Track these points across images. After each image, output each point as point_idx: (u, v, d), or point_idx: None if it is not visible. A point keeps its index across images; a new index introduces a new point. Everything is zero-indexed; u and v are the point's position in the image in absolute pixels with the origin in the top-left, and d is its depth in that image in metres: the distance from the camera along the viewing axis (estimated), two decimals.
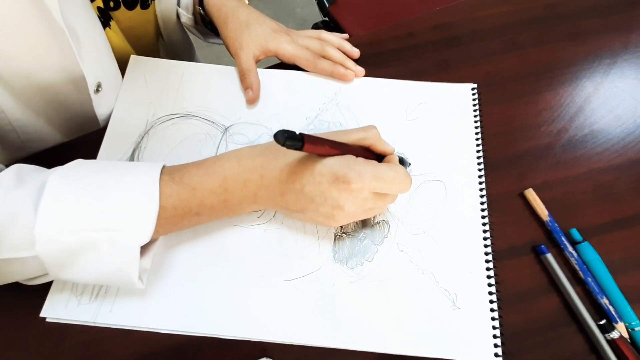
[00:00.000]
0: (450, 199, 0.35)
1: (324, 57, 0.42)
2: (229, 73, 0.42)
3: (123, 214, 0.26)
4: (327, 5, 0.85)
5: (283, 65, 0.43)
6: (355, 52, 0.43)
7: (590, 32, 0.45)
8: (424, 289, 0.32)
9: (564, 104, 0.41)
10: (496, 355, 0.30)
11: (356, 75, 0.41)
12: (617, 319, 0.31)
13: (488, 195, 0.35)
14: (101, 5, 0.40)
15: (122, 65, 0.41)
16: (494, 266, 0.33)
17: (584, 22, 0.46)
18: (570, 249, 0.33)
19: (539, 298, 0.32)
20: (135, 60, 0.42)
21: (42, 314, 0.30)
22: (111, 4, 0.41)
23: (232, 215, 0.31)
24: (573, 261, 0.33)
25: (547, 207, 0.35)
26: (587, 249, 0.33)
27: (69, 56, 0.34)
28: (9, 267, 0.27)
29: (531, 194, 0.35)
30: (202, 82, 0.41)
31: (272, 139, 0.37)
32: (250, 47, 0.41)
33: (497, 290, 0.32)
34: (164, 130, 0.38)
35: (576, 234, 0.34)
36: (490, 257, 0.33)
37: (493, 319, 0.31)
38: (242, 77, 0.40)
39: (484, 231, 0.34)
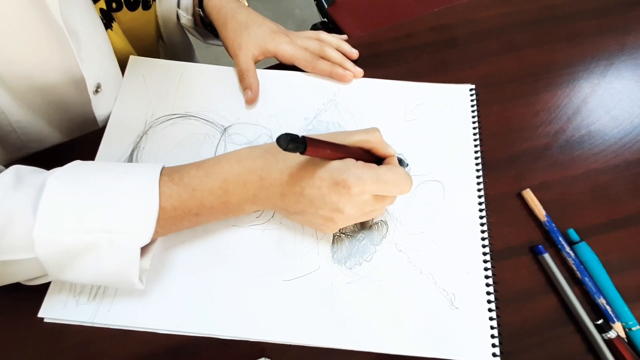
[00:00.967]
0: (448, 200, 0.35)
1: (322, 57, 0.42)
2: (227, 73, 0.42)
3: (123, 215, 0.26)
4: (326, 6, 0.85)
5: (282, 66, 0.43)
6: (354, 53, 0.43)
7: (587, 34, 0.45)
8: (422, 289, 0.32)
9: (561, 105, 0.41)
10: (494, 355, 0.30)
11: (355, 76, 0.41)
12: (615, 319, 0.31)
13: (486, 195, 0.36)
14: (104, 6, 0.40)
15: (123, 66, 0.41)
16: (492, 266, 0.33)
17: (581, 23, 0.46)
18: (567, 249, 0.34)
19: (536, 298, 0.33)
20: (134, 60, 0.42)
21: (40, 314, 0.30)
22: (113, 5, 0.41)
23: (232, 216, 0.32)
24: (570, 261, 0.33)
25: (544, 208, 0.35)
26: (585, 249, 0.34)
27: (69, 57, 0.34)
28: (8, 269, 0.27)
29: (529, 195, 0.36)
30: (201, 83, 0.41)
31: (271, 139, 0.37)
32: (249, 47, 0.41)
33: (495, 290, 0.32)
34: (163, 131, 0.38)
35: (573, 234, 0.34)
36: (488, 257, 0.33)
37: (491, 318, 0.31)
38: (241, 78, 0.40)
39: (482, 231, 0.34)
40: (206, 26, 0.49)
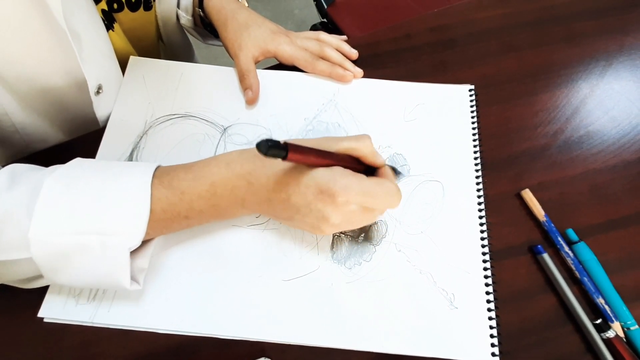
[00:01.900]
0: (447, 200, 0.35)
1: (322, 58, 0.42)
2: (227, 74, 0.42)
3: (114, 217, 0.26)
4: (326, 6, 0.85)
5: (282, 66, 0.43)
6: (354, 54, 0.43)
7: (585, 35, 0.45)
8: (422, 289, 0.32)
9: (560, 106, 0.41)
10: (493, 354, 0.30)
11: (354, 76, 0.42)
12: (613, 319, 0.31)
13: (485, 195, 0.36)
14: (105, 7, 0.40)
15: (124, 66, 0.41)
16: (491, 266, 0.33)
17: (579, 24, 0.46)
18: (566, 249, 0.34)
19: (535, 298, 0.33)
20: (134, 61, 0.42)
21: (39, 314, 0.30)
22: (115, 5, 0.41)
23: (222, 219, 0.31)
24: (569, 261, 0.33)
25: (543, 208, 0.35)
26: (583, 249, 0.34)
27: (71, 59, 0.34)
28: (2, 269, 0.27)
29: (528, 195, 0.36)
30: (201, 83, 0.41)
31: (264, 138, 0.37)
32: (250, 48, 0.41)
33: (494, 290, 0.32)
34: (163, 131, 0.38)
35: (572, 234, 0.34)
36: (487, 257, 0.33)
37: (490, 318, 0.31)
38: (242, 78, 0.41)
39: (481, 231, 0.34)
40: (206, 26, 0.49)
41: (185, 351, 0.30)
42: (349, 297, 0.32)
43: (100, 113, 0.39)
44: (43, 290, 0.31)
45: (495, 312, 0.31)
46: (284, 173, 0.28)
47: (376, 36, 0.45)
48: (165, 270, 0.32)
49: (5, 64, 0.32)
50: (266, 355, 0.30)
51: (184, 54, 0.57)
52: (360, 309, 0.31)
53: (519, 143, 0.39)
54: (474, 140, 0.39)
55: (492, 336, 0.30)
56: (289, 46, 0.41)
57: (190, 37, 0.58)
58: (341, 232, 0.34)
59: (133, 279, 0.28)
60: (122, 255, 0.27)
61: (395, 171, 0.34)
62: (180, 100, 0.40)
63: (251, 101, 0.40)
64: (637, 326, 0.31)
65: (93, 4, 0.37)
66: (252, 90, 0.40)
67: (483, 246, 0.34)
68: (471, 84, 0.42)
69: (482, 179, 0.36)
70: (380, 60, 0.44)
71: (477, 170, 0.37)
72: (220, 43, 0.45)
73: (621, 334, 0.31)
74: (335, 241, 0.34)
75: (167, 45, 0.53)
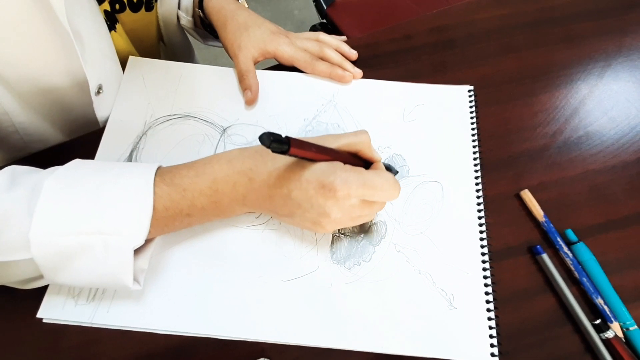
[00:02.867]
0: (447, 200, 0.36)
1: (322, 58, 0.42)
2: (227, 74, 0.42)
3: (117, 216, 0.26)
4: (325, 7, 0.85)
5: (281, 66, 0.43)
6: (353, 54, 0.43)
7: (584, 36, 0.45)
8: (421, 289, 0.32)
9: (559, 106, 0.41)
10: (492, 354, 0.30)
11: (354, 77, 0.42)
12: (612, 319, 0.31)
13: (484, 196, 0.36)
14: (108, 8, 0.40)
15: (125, 66, 0.41)
16: (490, 266, 0.33)
17: (578, 25, 0.46)
18: (565, 249, 0.34)
19: (534, 298, 0.33)
20: (134, 61, 0.42)
21: (38, 315, 0.30)
22: (117, 6, 0.41)
23: (223, 216, 0.31)
24: (568, 261, 0.33)
25: (542, 208, 0.35)
26: (582, 250, 0.34)
27: (73, 60, 0.34)
28: (3, 270, 0.27)
29: (527, 195, 0.36)
30: (201, 83, 0.41)
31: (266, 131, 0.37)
32: (249, 48, 0.41)
33: (493, 290, 0.32)
34: (163, 131, 0.38)
35: (571, 235, 0.34)
36: (486, 258, 0.33)
37: (489, 318, 0.31)
38: (241, 79, 0.41)
39: (481, 232, 0.34)
40: (206, 27, 0.49)
41: (185, 352, 0.30)
42: (348, 298, 0.32)
43: (100, 113, 0.39)
44: (42, 291, 0.31)
45: (495, 313, 0.31)
46: (285, 168, 0.28)
47: (375, 37, 0.46)
48: (165, 270, 0.32)
49: (7, 64, 0.32)
50: (265, 355, 0.30)
51: (184, 54, 0.57)
52: (359, 310, 0.31)
53: (518, 143, 0.39)
54: (474, 140, 0.39)
55: (491, 336, 0.30)
56: (288, 47, 0.42)
57: (191, 38, 0.58)
58: (341, 232, 0.34)
59: (134, 279, 0.28)
60: (126, 255, 0.27)
61: (390, 169, 0.34)
62: (180, 101, 0.40)
63: (250, 102, 0.40)
64: (636, 326, 0.31)
65: (96, 4, 0.37)
66: (252, 91, 0.40)
67: (482, 246, 0.34)
68: (470, 85, 0.42)
69: (482, 180, 0.36)
70: (379, 61, 0.44)
71: (476, 171, 0.37)
72: (220, 44, 0.45)
73: (620, 335, 0.31)
74: (334, 241, 0.34)
75: (168, 45, 0.53)
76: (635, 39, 0.45)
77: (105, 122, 0.39)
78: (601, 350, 0.30)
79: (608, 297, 0.32)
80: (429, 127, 0.39)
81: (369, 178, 0.28)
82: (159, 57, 0.50)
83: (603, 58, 0.44)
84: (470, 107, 0.41)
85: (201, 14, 0.47)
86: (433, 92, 0.41)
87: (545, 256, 0.33)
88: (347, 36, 0.47)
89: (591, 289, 0.32)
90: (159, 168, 0.30)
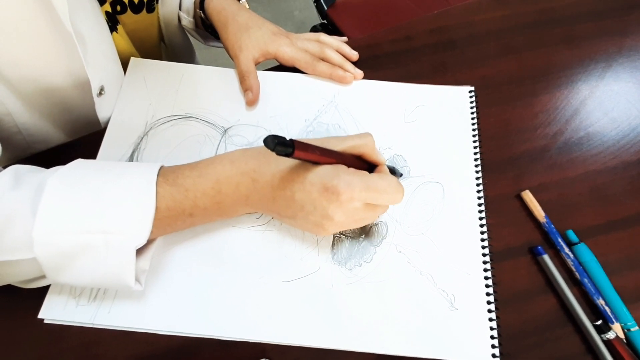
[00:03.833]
0: (448, 201, 0.36)
1: (323, 59, 0.42)
2: (228, 75, 0.42)
3: (119, 216, 0.26)
4: (326, 8, 0.85)
5: (282, 67, 0.43)
6: (354, 55, 0.43)
7: (584, 37, 0.45)
8: (422, 290, 0.32)
9: (559, 107, 0.41)
10: (493, 355, 0.30)
11: (355, 78, 0.42)
12: (613, 320, 0.31)
13: (485, 196, 0.36)
14: (109, 9, 0.40)
15: (127, 67, 0.42)
16: (491, 267, 0.33)
17: (579, 26, 0.46)
18: (566, 250, 0.34)
19: (535, 299, 0.33)
20: (135, 62, 0.42)
21: (40, 315, 0.30)
22: (118, 7, 0.41)
23: (226, 217, 0.31)
24: (569, 262, 0.33)
25: (543, 209, 0.35)
26: (583, 250, 0.34)
27: (75, 61, 0.34)
28: (5, 269, 0.27)
29: (528, 196, 0.36)
30: (202, 84, 0.41)
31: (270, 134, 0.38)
32: (250, 49, 0.41)
33: (494, 291, 0.32)
34: (164, 132, 0.38)
35: (572, 235, 0.34)
36: (487, 258, 0.33)
37: (490, 319, 0.31)
38: (242, 79, 0.41)
39: (482, 232, 0.34)
40: (207, 28, 0.49)
41: (186, 352, 0.30)
42: (349, 298, 0.32)
43: (102, 114, 0.39)
44: (43, 291, 0.31)
45: (496, 313, 0.31)
46: (288, 170, 0.28)
47: (376, 38, 0.46)
48: (166, 271, 0.32)
49: (10, 65, 0.32)
50: (267, 356, 0.30)
51: (185, 55, 0.58)
52: (360, 310, 0.31)
53: (518, 144, 0.39)
54: (474, 141, 0.39)
55: (492, 337, 0.30)
56: (289, 48, 0.42)
57: (191, 39, 0.58)
58: (342, 233, 0.34)
59: (135, 279, 0.28)
60: (128, 254, 0.27)
61: (394, 172, 0.34)
62: (181, 102, 0.40)
63: (251, 102, 0.40)
64: (637, 327, 0.31)
65: (98, 6, 0.37)
66: (252, 92, 0.40)
67: (483, 247, 0.34)
68: (471, 86, 0.42)
69: (482, 180, 0.37)
70: (380, 62, 0.44)
71: (477, 172, 0.37)
72: (221, 44, 0.45)
73: (621, 335, 0.31)
74: (335, 242, 0.34)
75: (169, 46, 0.53)
76: (635, 40, 0.45)
77: (107, 122, 0.39)
78: (602, 351, 0.30)
79: (609, 298, 0.32)
80: (430, 128, 0.39)
81: (373, 181, 0.28)
82: (160, 58, 0.50)
83: (604, 59, 0.44)
84: (471, 107, 0.41)
85: (202, 14, 0.47)
86: (434, 93, 0.41)
87: (546, 257, 0.33)
88: (347, 37, 0.47)
89: (592, 289, 0.32)
90: (161, 168, 0.30)
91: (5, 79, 0.33)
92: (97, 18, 0.37)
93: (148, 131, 0.38)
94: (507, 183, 0.37)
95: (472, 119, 0.40)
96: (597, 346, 0.30)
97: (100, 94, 0.38)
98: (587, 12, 0.47)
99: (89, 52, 0.35)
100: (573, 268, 0.33)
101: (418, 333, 0.30)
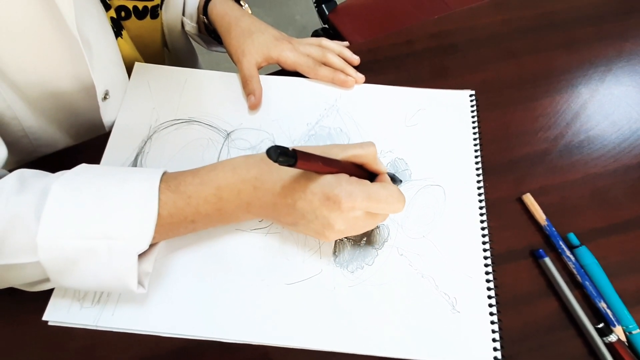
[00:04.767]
0: (449, 204, 0.36)
1: (324, 64, 0.43)
2: (230, 79, 0.43)
3: (122, 221, 0.27)
4: (327, 12, 0.86)
5: (284, 72, 0.44)
6: (356, 59, 0.44)
7: (584, 41, 0.46)
8: (424, 293, 0.32)
9: (560, 111, 0.42)
10: (495, 358, 0.30)
11: (356, 82, 0.42)
12: (615, 323, 0.31)
13: (486, 199, 0.36)
14: (114, 15, 0.41)
15: (131, 72, 0.42)
16: (493, 270, 0.33)
17: (579, 30, 0.47)
18: (567, 253, 0.34)
19: (537, 302, 0.33)
20: (139, 67, 0.43)
21: (44, 317, 0.31)
22: (123, 13, 0.42)
23: (227, 223, 0.32)
24: (571, 265, 0.33)
25: (544, 212, 0.35)
26: (585, 253, 0.34)
27: (81, 65, 0.35)
28: (9, 272, 0.27)
29: (529, 199, 0.36)
30: (205, 89, 0.42)
31: (273, 144, 0.38)
32: (253, 54, 0.41)
33: (496, 294, 0.32)
34: (167, 136, 0.39)
35: (573, 238, 0.35)
36: (489, 261, 0.33)
37: (492, 322, 0.31)
38: (245, 84, 0.41)
39: (483, 235, 0.34)
40: (210, 33, 0.50)
41: (189, 355, 0.31)
42: (351, 301, 0.32)
43: (106, 118, 0.39)
44: (47, 294, 0.31)
45: (497, 316, 0.31)
46: (290, 179, 0.28)
47: (377, 42, 0.46)
48: (169, 274, 0.32)
49: (18, 70, 0.33)
50: (269, 358, 0.30)
51: (188, 60, 0.58)
52: (362, 313, 0.31)
53: (519, 148, 0.39)
54: (475, 144, 0.39)
55: (494, 340, 0.30)
56: (291, 52, 0.42)
57: (194, 43, 0.58)
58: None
59: (138, 282, 0.28)
60: (130, 259, 0.27)
61: (395, 179, 0.34)
62: (184, 106, 0.40)
63: (254, 106, 0.40)
64: (639, 330, 0.31)
65: (104, 11, 0.38)
66: (255, 96, 0.40)
67: (485, 250, 0.34)
68: (471, 90, 0.42)
69: (484, 184, 0.37)
70: (381, 66, 0.44)
71: (478, 175, 0.37)
72: (224, 49, 0.46)
73: (623, 338, 0.31)
74: (337, 245, 0.34)
75: (172, 51, 0.54)
76: (635, 44, 0.46)
77: (111, 126, 0.39)
78: (604, 354, 0.30)
79: (611, 301, 0.32)
80: (431, 131, 0.40)
81: (374, 191, 0.28)
82: (163, 63, 0.51)
83: (604, 63, 0.44)
84: (472, 111, 0.41)
85: (205, 20, 0.47)
86: (435, 97, 0.42)
87: (547, 260, 0.33)
88: (348, 41, 0.47)
89: (594, 292, 0.32)
90: (164, 174, 0.30)
91: (13, 84, 0.34)
92: (102, 24, 0.38)
93: (152, 135, 0.39)
94: (508, 186, 0.37)
95: (473, 122, 0.40)
96: (599, 349, 0.30)
97: (105, 98, 0.38)
98: (587, 16, 0.48)
99: (94, 57, 0.36)
100: (574, 271, 0.33)
101: (420, 336, 0.31)
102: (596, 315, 0.32)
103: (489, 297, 0.32)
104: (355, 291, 0.32)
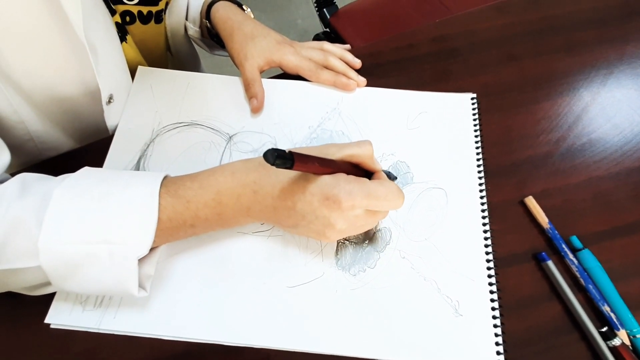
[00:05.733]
0: (451, 207, 0.36)
1: (326, 67, 0.43)
2: (232, 83, 0.43)
3: (122, 226, 0.27)
4: (328, 16, 0.86)
5: (286, 75, 0.44)
6: (357, 63, 0.44)
7: (586, 44, 0.46)
8: (426, 296, 0.32)
9: (561, 114, 0.42)
10: None
11: (358, 85, 0.42)
12: (619, 326, 0.31)
13: (488, 202, 0.36)
14: (119, 20, 0.41)
15: (134, 76, 0.43)
16: (496, 273, 0.33)
17: (580, 34, 0.47)
18: (570, 256, 0.34)
19: (540, 305, 0.33)
20: (142, 70, 0.43)
21: (46, 320, 0.31)
22: (127, 18, 0.42)
23: (227, 227, 0.32)
24: (574, 268, 0.33)
25: (547, 215, 0.35)
26: (588, 256, 0.34)
27: (87, 70, 0.35)
28: (10, 277, 0.28)
29: (531, 202, 0.36)
30: (207, 92, 0.42)
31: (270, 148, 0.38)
32: (255, 58, 0.42)
33: (498, 298, 0.32)
34: (170, 139, 0.39)
35: (576, 241, 0.34)
36: (491, 265, 0.33)
37: (495, 326, 0.31)
38: (247, 87, 0.41)
39: (485, 238, 0.34)
40: (212, 37, 0.50)
41: (191, 358, 0.31)
42: (353, 304, 0.32)
43: (110, 122, 0.40)
44: (49, 298, 0.31)
45: (500, 320, 0.31)
46: (289, 181, 0.29)
47: (379, 46, 0.46)
48: (171, 277, 0.32)
49: (25, 75, 0.33)
50: None
51: (190, 63, 0.59)
52: (364, 316, 0.31)
53: (521, 151, 0.39)
54: (477, 147, 0.39)
55: (497, 344, 0.30)
56: (293, 56, 0.42)
57: (197, 48, 0.59)
58: (345, 239, 0.34)
59: (140, 285, 0.28)
60: (130, 264, 0.27)
61: (390, 176, 0.34)
62: (187, 109, 0.41)
63: (256, 110, 0.40)
64: None
65: (109, 16, 0.38)
66: (258, 99, 0.40)
67: (487, 253, 0.34)
68: (473, 93, 0.42)
69: (485, 187, 0.37)
70: (383, 70, 0.44)
71: (480, 178, 0.37)
72: (226, 53, 0.46)
73: (627, 342, 0.31)
74: (339, 248, 0.34)
75: (175, 55, 0.54)
76: (636, 47, 0.46)
77: (115, 129, 0.39)
78: (608, 358, 0.30)
79: (614, 305, 0.32)
80: (433, 134, 0.40)
81: (373, 188, 0.28)
82: (166, 67, 0.51)
83: (605, 66, 0.44)
84: (473, 114, 0.41)
85: (208, 24, 0.48)
86: (436, 100, 0.42)
87: (550, 263, 0.33)
88: (350, 45, 0.47)
89: (597, 296, 0.32)
90: (165, 178, 0.30)
91: (19, 88, 0.34)
92: (108, 29, 0.38)
93: (154, 138, 0.39)
94: (510, 189, 0.37)
95: (475, 125, 0.40)
96: (603, 353, 0.30)
97: (109, 102, 0.39)
98: (588, 19, 0.48)
99: (100, 62, 0.36)
100: (577, 274, 0.33)
101: (422, 339, 0.30)
102: (600, 318, 0.32)
103: (492, 300, 0.32)
104: (357, 294, 0.32)
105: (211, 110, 0.41)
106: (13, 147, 0.34)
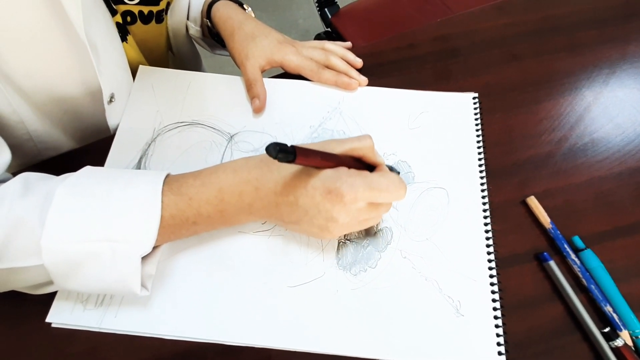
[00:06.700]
0: (452, 207, 0.36)
1: (327, 67, 0.43)
2: (234, 82, 0.43)
3: (125, 225, 0.27)
4: (330, 16, 0.86)
5: (288, 74, 0.44)
6: (359, 62, 0.44)
7: (587, 44, 0.46)
8: (428, 296, 0.32)
9: (564, 113, 0.41)
10: None
11: (359, 85, 0.42)
12: (621, 327, 0.31)
13: (490, 202, 0.36)
14: (120, 20, 0.41)
15: (136, 76, 0.43)
16: (497, 273, 0.33)
17: (581, 34, 0.47)
18: (573, 256, 0.34)
19: (542, 305, 0.33)
20: (143, 70, 0.43)
21: (47, 319, 0.31)
22: (128, 18, 0.42)
23: (229, 225, 0.32)
24: (576, 269, 0.33)
25: (549, 215, 0.35)
26: (590, 257, 0.33)
27: (88, 70, 0.35)
28: (13, 276, 0.28)
29: (533, 202, 0.36)
30: (208, 92, 0.42)
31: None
32: (256, 57, 0.42)
33: (500, 298, 0.32)
34: (171, 138, 0.39)
35: (578, 242, 0.34)
36: (493, 265, 0.33)
37: (497, 326, 0.31)
38: (249, 87, 0.41)
39: (487, 238, 0.34)
40: (213, 37, 0.50)
41: (192, 357, 0.31)
42: (354, 304, 0.32)
43: (111, 122, 0.40)
44: (51, 296, 0.31)
45: (502, 320, 0.31)
46: (290, 176, 0.29)
47: (380, 46, 0.46)
48: (172, 276, 0.32)
49: (25, 75, 0.33)
50: None
51: (191, 63, 0.59)
52: (365, 316, 0.31)
53: (523, 150, 0.39)
54: (478, 147, 0.39)
55: (498, 344, 0.30)
56: (295, 56, 0.42)
57: (198, 47, 0.59)
58: (346, 238, 0.34)
59: (142, 285, 0.28)
60: (133, 262, 0.27)
61: (393, 171, 0.34)
62: (188, 109, 0.41)
63: (258, 109, 0.40)
64: None
65: (110, 16, 0.38)
66: (259, 99, 0.40)
67: (489, 253, 0.34)
68: (475, 92, 0.42)
69: (487, 186, 0.37)
70: (384, 70, 0.44)
71: (481, 178, 0.37)
72: (228, 53, 0.46)
73: (630, 343, 0.31)
74: (340, 247, 0.34)
75: (176, 55, 0.54)
76: (639, 47, 0.45)
77: (116, 129, 0.39)
78: (611, 359, 0.30)
79: (617, 305, 0.32)
80: (434, 134, 0.40)
81: (375, 180, 0.28)
82: (167, 66, 0.51)
83: (607, 65, 0.44)
84: (475, 114, 0.41)
85: (209, 23, 0.48)
86: (438, 100, 0.42)
87: (552, 263, 0.33)
88: (351, 44, 0.47)
89: (599, 296, 0.32)
90: (167, 176, 0.30)
91: (19, 88, 0.34)
92: (109, 29, 0.38)
93: (155, 137, 0.39)
94: (512, 189, 0.37)
95: (476, 125, 0.40)
96: (606, 354, 0.30)
97: (110, 101, 0.39)
98: (590, 19, 0.48)
99: (101, 61, 0.36)
100: (580, 274, 0.33)
101: (424, 339, 0.30)
102: (602, 319, 0.32)
103: (493, 300, 0.32)
104: (358, 294, 0.32)
105: (212, 109, 0.41)
106: (12, 147, 0.34)
